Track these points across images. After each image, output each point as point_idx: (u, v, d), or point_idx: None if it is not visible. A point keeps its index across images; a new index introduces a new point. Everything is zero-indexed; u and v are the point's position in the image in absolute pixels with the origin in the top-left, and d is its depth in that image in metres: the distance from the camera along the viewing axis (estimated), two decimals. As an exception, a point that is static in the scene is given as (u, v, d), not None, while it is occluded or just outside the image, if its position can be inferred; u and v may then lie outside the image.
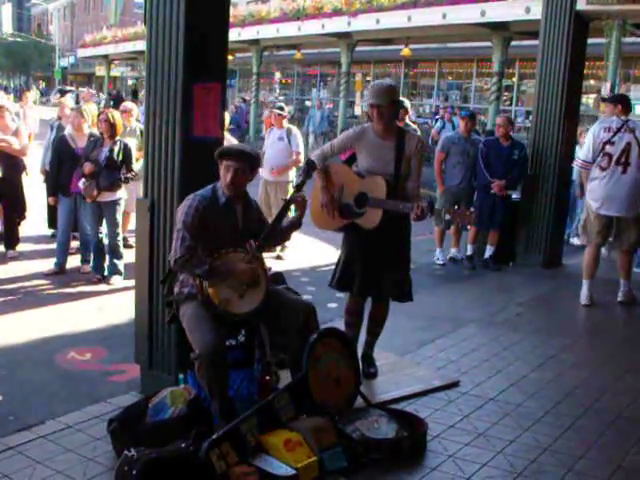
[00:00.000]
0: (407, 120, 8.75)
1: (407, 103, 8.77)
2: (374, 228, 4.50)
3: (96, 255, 7.47)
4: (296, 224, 4.30)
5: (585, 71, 8.99)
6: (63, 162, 7.56)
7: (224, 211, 3.97)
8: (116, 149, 7.16)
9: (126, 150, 7.24)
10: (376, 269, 4.66)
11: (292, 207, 4.36)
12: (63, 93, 25.08)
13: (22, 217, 8.46)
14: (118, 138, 7.26)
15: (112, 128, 7.14)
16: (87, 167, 7.04)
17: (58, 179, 7.65)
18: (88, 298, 6.92)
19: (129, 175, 7.28)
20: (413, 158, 4.61)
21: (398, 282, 4.76)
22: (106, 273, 7.44)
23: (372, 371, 4.87)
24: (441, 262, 8.77)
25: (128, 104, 9.83)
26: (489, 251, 8.61)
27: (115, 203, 7.33)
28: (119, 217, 7.47)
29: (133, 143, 7.82)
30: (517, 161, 8.33)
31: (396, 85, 4.89)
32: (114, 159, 7.14)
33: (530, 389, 4.83)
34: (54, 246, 7.92)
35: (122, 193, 7.42)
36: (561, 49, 8.21)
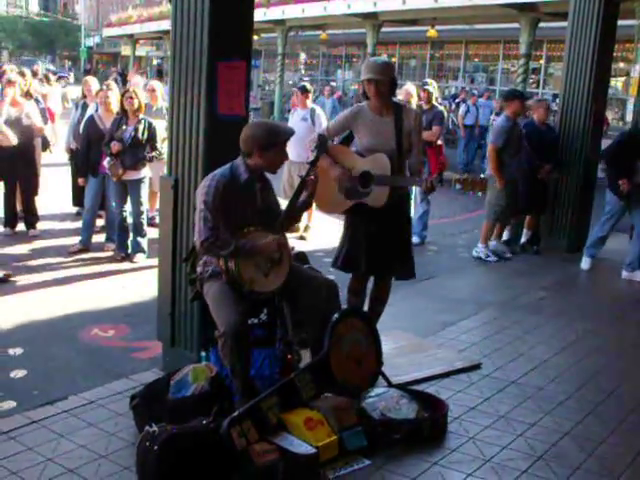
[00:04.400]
0: (434, 101, 8.64)
1: (434, 85, 8.68)
2: (381, 206, 4.49)
3: (120, 233, 7.52)
4: (307, 203, 4.18)
5: (614, 53, 8.85)
6: (92, 143, 7.57)
7: (244, 190, 3.92)
8: (141, 128, 7.18)
9: (151, 128, 7.26)
10: (381, 248, 4.63)
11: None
12: (87, 72, 25.18)
13: (34, 192, 8.33)
14: (142, 116, 7.28)
15: (138, 106, 7.18)
16: (115, 146, 7.07)
17: (88, 160, 7.67)
18: (112, 276, 6.98)
19: (154, 154, 7.30)
20: (413, 132, 4.59)
21: (403, 260, 4.76)
22: (130, 251, 7.50)
23: None
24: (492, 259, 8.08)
25: (153, 83, 9.55)
26: (526, 235, 8.52)
27: (140, 182, 7.37)
28: (143, 195, 7.50)
29: (161, 124, 7.35)
30: (553, 143, 8.26)
31: (392, 63, 4.86)
32: (139, 138, 7.16)
33: (552, 373, 4.82)
34: (79, 224, 7.97)
35: (146, 171, 7.44)
36: (590, 31, 8.08)
